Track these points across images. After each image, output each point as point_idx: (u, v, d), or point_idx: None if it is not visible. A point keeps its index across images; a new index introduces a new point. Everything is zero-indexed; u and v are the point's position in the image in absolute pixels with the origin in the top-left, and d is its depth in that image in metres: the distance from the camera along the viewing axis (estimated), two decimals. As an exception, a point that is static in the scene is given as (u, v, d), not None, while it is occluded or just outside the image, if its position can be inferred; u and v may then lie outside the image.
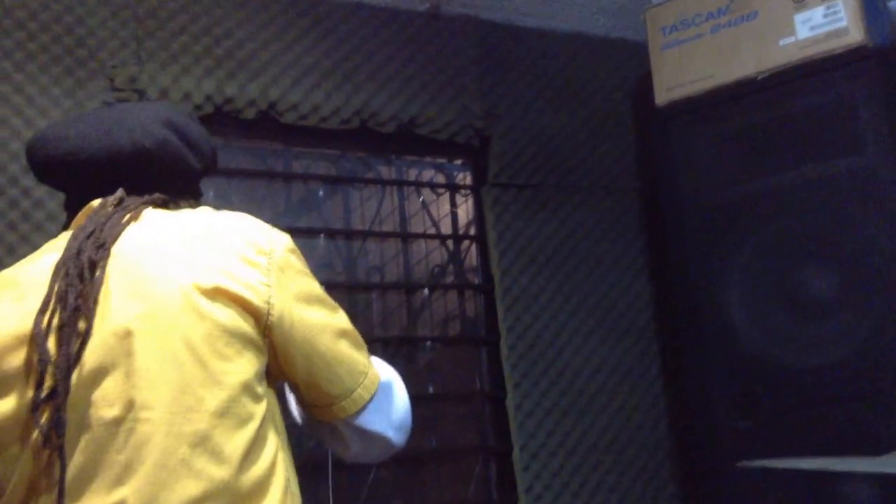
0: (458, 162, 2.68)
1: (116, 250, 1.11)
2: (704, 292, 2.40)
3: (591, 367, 2.58)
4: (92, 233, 1.11)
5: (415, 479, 2.41)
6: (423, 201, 2.64)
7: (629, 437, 2.58)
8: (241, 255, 1.13)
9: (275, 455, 1.12)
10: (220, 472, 1.05)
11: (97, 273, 1.08)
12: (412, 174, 2.64)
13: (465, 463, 2.50)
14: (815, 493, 2.16)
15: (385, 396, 1.28)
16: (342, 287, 2.42)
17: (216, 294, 1.09)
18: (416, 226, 2.61)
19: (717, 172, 2.42)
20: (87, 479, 1.02)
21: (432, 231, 2.62)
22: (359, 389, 1.22)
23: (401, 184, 2.61)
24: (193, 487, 1.03)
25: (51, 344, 1.04)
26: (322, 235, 2.45)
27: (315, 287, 1.23)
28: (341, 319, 1.24)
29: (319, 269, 2.39)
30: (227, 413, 1.07)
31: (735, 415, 2.32)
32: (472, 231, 2.65)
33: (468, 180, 2.69)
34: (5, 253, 1.97)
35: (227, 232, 1.17)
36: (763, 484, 2.24)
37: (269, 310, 1.13)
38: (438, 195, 2.66)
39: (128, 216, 1.15)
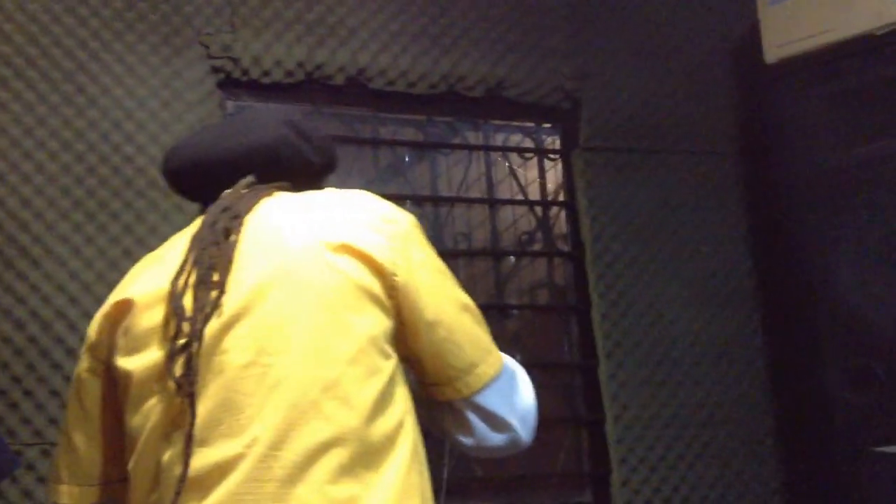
0: (547, 125, 2.79)
1: (250, 219, 1.24)
2: (815, 260, 2.44)
3: (689, 338, 2.67)
4: (227, 207, 1.25)
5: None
6: (511, 166, 2.75)
7: (729, 410, 2.67)
8: (367, 223, 1.23)
9: (403, 415, 1.18)
10: (349, 419, 1.11)
11: (231, 237, 1.20)
12: (499, 139, 2.76)
13: (555, 433, 2.63)
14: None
15: (509, 382, 1.31)
16: (430, 254, 2.56)
17: (343, 249, 1.18)
18: (504, 192, 2.73)
19: (831, 135, 2.44)
20: (217, 421, 1.12)
21: (520, 197, 2.74)
22: (483, 366, 1.26)
23: (488, 149, 2.73)
24: (323, 430, 1.10)
25: (186, 300, 1.17)
26: (408, 202, 2.60)
27: (439, 261, 1.29)
28: (465, 295, 1.30)
29: (407, 235, 2.53)
30: (357, 362, 1.14)
31: (849, 391, 2.35)
32: (562, 197, 2.76)
33: (557, 144, 2.79)
34: (110, 220, 2.17)
35: (354, 203, 1.28)
36: (880, 467, 2.27)
37: (394, 271, 1.20)
38: (526, 160, 2.78)
39: (261, 194, 1.29)
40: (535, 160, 2.79)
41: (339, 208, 1.26)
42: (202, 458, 1.10)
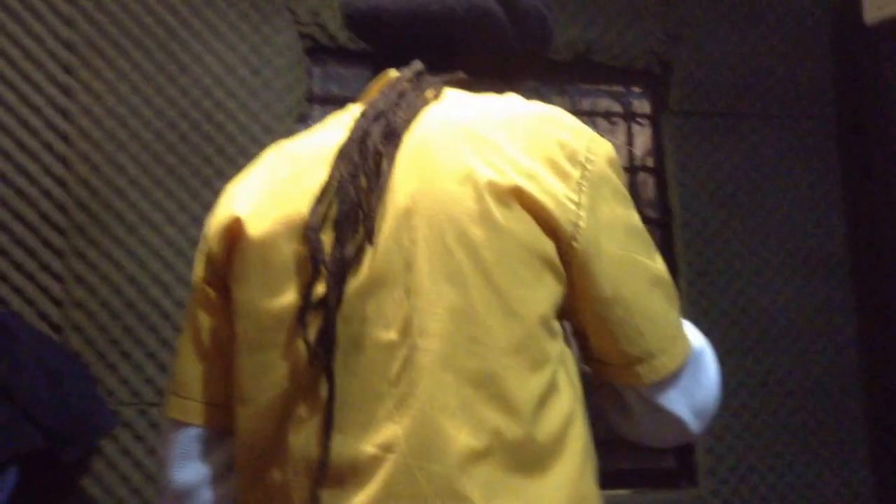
0: (636, 90, 2.70)
1: (407, 139, 0.97)
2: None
3: (779, 306, 2.59)
4: (382, 113, 0.98)
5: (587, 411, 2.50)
6: (598, 131, 2.67)
7: (817, 379, 2.59)
8: (550, 159, 0.94)
9: (571, 408, 0.95)
10: (506, 424, 0.89)
11: (383, 165, 0.95)
12: (586, 104, 2.68)
13: (640, 400, 2.57)
14: None
15: (692, 373, 1.03)
16: (515, 220, 2.51)
17: (514, 197, 0.91)
18: (591, 157, 2.66)
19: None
20: (353, 407, 0.92)
21: (608, 162, 2.66)
22: (663, 357, 0.99)
23: (575, 113, 2.64)
24: (474, 438, 0.88)
25: (326, 240, 0.94)
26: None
27: (633, 216, 1.01)
28: (659, 264, 1.02)
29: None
30: (521, 351, 0.91)
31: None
32: (650, 163, 2.68)
33: (646, 109, 2.70)
34: (202, 187, 2.18)
35: (540, 126, 0.98)
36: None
37: (574, 233, 0.93)
38: (614, 125, 2.69)
39: (424, 97, 1.01)
40: (622, 125, 2.70)
41: (518, 130, 0.96)
42: (339, 448, 0.91)
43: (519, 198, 0.92)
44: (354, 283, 0.92)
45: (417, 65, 1.04)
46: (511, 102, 1.02)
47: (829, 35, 2.72)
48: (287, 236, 0.97)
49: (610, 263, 0.95)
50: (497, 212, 0.91)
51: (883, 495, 2.56)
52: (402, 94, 1.00)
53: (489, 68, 1.10)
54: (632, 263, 0.98)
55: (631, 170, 2.68)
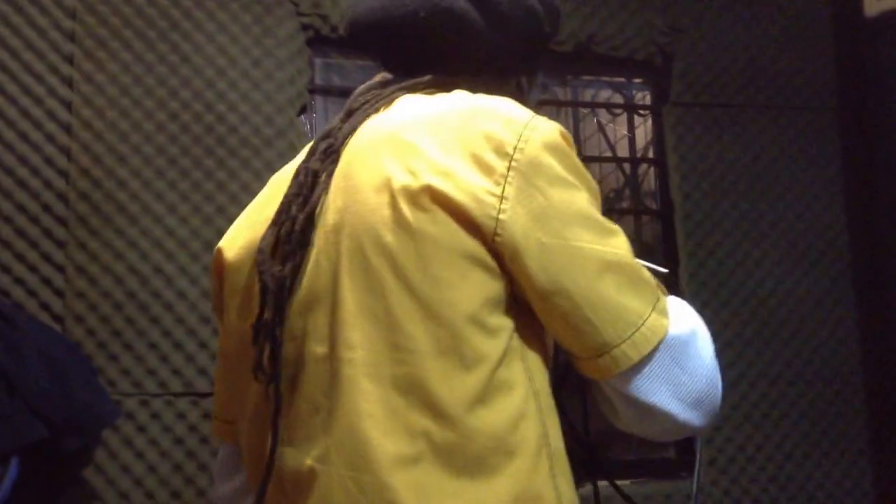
0: (638, 81, 2.69)
1: (344, 152, 0.98)
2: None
3: (778, 297, 2.59)
4: (330, 131, 1.01)
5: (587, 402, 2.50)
6: (599, 122, 2.67)
7: (817, 370, 2.59)
8: (472, 154, 0.92)
9: (523, 405, 0.92)
10: (436, 427, 0.88)
11: (318, 185, 0.97)
12: (587, 95, 2.68)
13: (640, 391, 2.57)
14: None
15: (673, 358, 0.96)
16: (516, 211, 2.51)
17: (428, 198, 0.90)
18: (592, 148, 2.66)
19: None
20: (299, 420, 0.94)
21: (608, 153, 2.66)
22: (622, 346, 0.93)
23: (577, 105, 2.65)
24: (404, 444, 0.88)
25: (272, 263, 0.96)
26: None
27: (577, 199, 0.94)
28: (611, 248, 0.95)
29: (494, 192, 2.49)
30: (447, 353, 0.89)
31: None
32: (651, 154, 2.67)
33: (647, 100, 2.70)
34: (204, 178, 2.18)
35: (469, 120, 0.95)
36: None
37: (495, 227, 0.90)
38: (615, 116, 2.69)
39: (379, 104, 1.02)
40: (623, 116, 2.70)
41: (443, 128, 0.94)
42: (289, 461, 0.95)
43: (434, 198, 0.90)
44: (296, 302, 0.95)
45: (380, 76, 1.07)
46: (451, 99, 1.00)
47: (830, 26, 2.71)
48: (249, 260, 1.02)
49: (543, 254, 0.91)
50: (411, 216, 0.90)
51: (882, 486, 2.56)
52: (351, 110, 1.03)
53: (471, 68, 1.07)
54: (571, 252, 0.92)
55: (633, 161, 2.67)
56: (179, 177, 2.18)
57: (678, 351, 0.97)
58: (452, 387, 0.89)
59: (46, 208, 2.09)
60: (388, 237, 0.91)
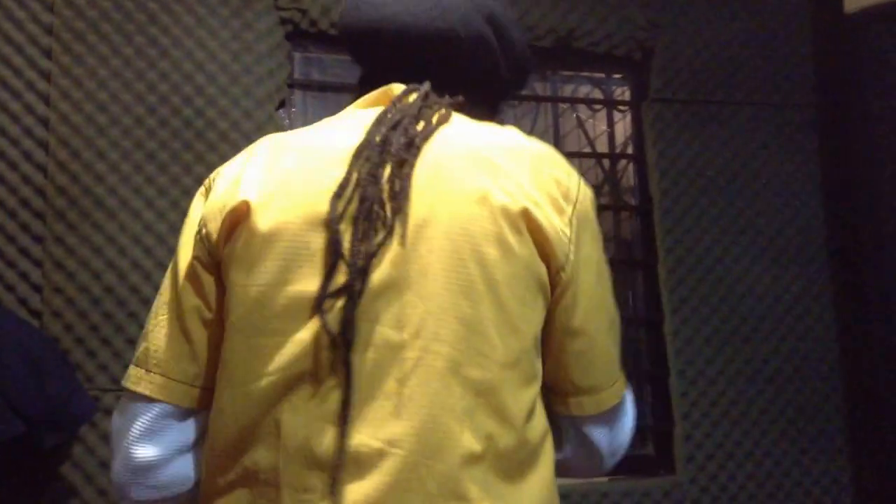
0: (617, 76, 2.70)
1: (426, 149, 1.01)
2: (892, 216, 2.34)
3: (757, 293, 2.60)
4: (399, 123, 1.02)
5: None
6: (579, 118, 2.68)
7: (796, 366, 2.60)
8: (548, 193, 1.02)
9: (546, 420, 1.04)
10: (500, 432, 0.95)
11: (405, 170, 0.98)
12: (567, 90, 2.68)
13: (620, 387, 2.58)
14: None
15: (622, 411, 1.15)
16: (496, 207, 2.51)
17: (523, 222, 0.98)
18: (572, 144, 2.66)
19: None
20: (358, 401, 0.94)
21: (588, 149, 2.66)
22: (608, 391, 1.09)
23: (556, 100, 2.65)
24: (473, 443, 0.94)
25: (345, 235, 0.96)
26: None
27: (604, 259, 1.10)
28: (615, 307, 1.11)
29: (474, 188, 2.49)
30: (517, 366, 0.97)
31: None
32: (630, 150, 2.67)
33: (627, 96, 2.70)
34: (182, 172, 2.17)
35: (540, 160, 1.05)
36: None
37: (564, 263, 1.00)
38: (595, 112, 2.70)
39: (437, 116, 1.05)
40: (603, 112, 2.70)
41: (523, 162, 1.02)
42: (348, 438, 0.93)
43: (527, 223, 0.98)
44: (373, 280, 0.95)
45: (426, 86, 1.09)
46: (513, 135, 1.07)
47: (810, 23, 2.72)
48: (302, 228, 0.97)
49: (585, 295, 1.03)
50: (510, 235, 0.97)
51: (861, 483, 2.58)
52: (415, 110, 1.04)
53: (481, 94, 1.15)
54: (600, 301, 1.07)
55: (612, 157, 2.68)
56: (158, 171, 2.17)
57: (625, 405, 1.16)
58: (517, 398, 0.98)
59: (24, 203, 2.08)
60: (487, 248, 0.97)
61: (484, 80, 1.15)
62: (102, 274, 2.10)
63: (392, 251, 0.95)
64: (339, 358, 0.93)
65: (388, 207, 0.96)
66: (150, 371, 1.05)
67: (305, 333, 0.95)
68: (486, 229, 0.97)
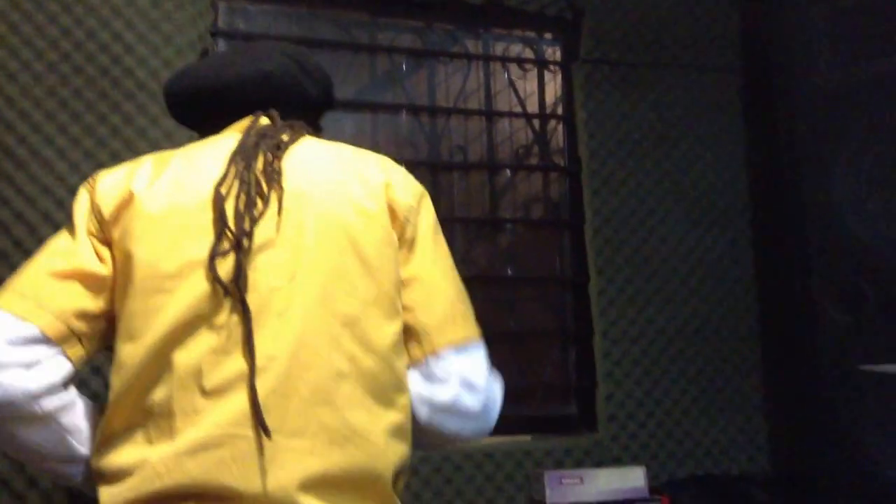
0: (548, 36, 2.67)
1: (293, 150, 1.28)
2: (812, 179, 2.38)
3: (679, 254, 2.62)
4: (265, 134, 1.27)
5: (490, 358, 2.50)
6: (510, 77, 2.64)
7: (715, 327, 2.64)
8: (397, 176, 1.32)
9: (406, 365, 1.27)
10: (363, 356, 1.18)
11: (276, 160, 1.24)
12: (499, 49, 2.64)
13: (543, 346, 2.60)
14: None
15: (480, 358, 1.33)
16: (425, 166, 2.48)
17: (380, 192, 1.27)
18: (502, 103, 2.63)
19: (834, 52, 2.36)
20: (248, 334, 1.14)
21: (518, 109, 2.64)
22: (455, 328, 1.29)
23: (487, 58, 2.62)
24: (341, 363, 1.16)
25: (229, 210, 1.18)
26: (405, 111, 2.49)
27: (440, 233, 1.36)
28: (454, 270, 1.35)
29: (403, 146, 2.45)
30: (377, 303, 1.21)
31: (838, 310, 2.32)
32: (560, 110, 2.66)
33: (557, 56, 2.67)
34: (97, 122, 2.08)
35: (384, 161, 1.35)
36: (864, 385, 2.25)
37: (410, 220, 1.29)
38: (526, 71, 2.67)
39: (297, 130, 1.33)
40: (534, 72, 2.68)
41: (370, 160, 1.32)
42: (230, 367, 1.12)
43: (386, 190, 1.27)
44: (256, 239, 1.17)
45: (274, 112, 1.34)
46: (354, 147, 1.36)
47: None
48: (191, 210, 1.18)
49: (425, 248, 1.30)
50: (368, 204, 1.25)
51: (776, 441, 2.64)
52: (277, 128, 1.30)
53: (301, 115, 1.39)
54: (439, 256, 1.32)
55: (542, 117, 2.66)
56: (71, 120, 2.08)
57: (481, 358, 1.33)
58: (378, 329, 1.20)
59: (-74, 150, 1.98)
60: (351, 215, 1.23)
61: (300, 100, 1.39)
62: (11, 227, 2.01)
63: (270, 217, 1.19)
64: (235, 302, 1.13)
65: (264, 185, 1.20)
66: (26, 295, 1.18)
67: (197, 288, 1.14)
68: (348, 201, 1.23)
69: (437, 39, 2.58)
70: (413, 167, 2.52)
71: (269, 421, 1.09)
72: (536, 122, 2.66)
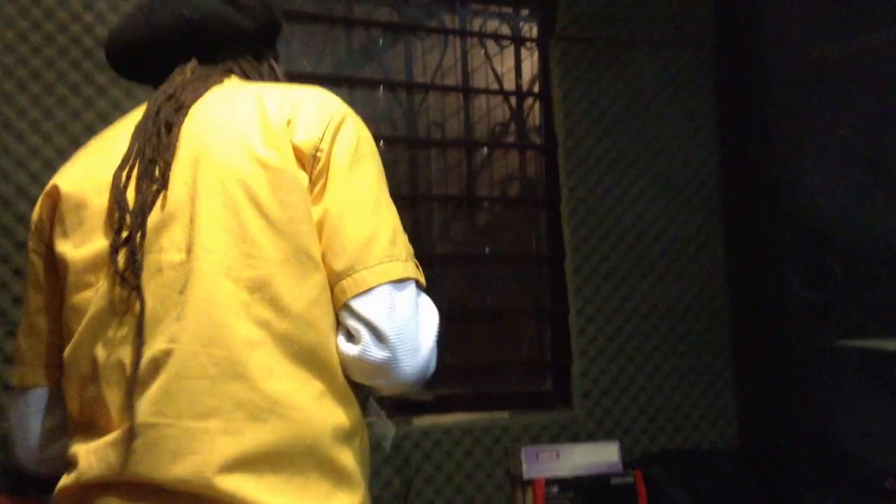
0: (525, 12, 2.65)
1: (195, 110, 1.18)
2: (782, 158, 2.41)
3: (653, 233, 2.64)
4: (171, 95, 1.20)
5: (468, 336, 2.52)
6: (487, 54, 2.63)
7: (687, 304, 2.67)
8: (306, 109, 1.17)
9: (334, 319, 1.14)
10: (279, 322, 1.08)
11: (173, 131, 1.16)
12: (476, 24, 2.63)
13: (520, 324, 2.61)
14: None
15: (404, 299, 1.14)
16: (402, 142, 2.46)
17: (280, 136, 1.14)
18: (479, 80, 2.62)
19: (804, 32, 2.37)
20: (153, 320, 1.08)
21: (495, 86, 2.62)
22: (368, 270, 1.12)
23: (464, 34, 2.59)
24: (252, 331, 1.07)
25: (129, 193, 1.13)
26: (382, 87, 2.47)
27: (370, 150, 1.21)
28: (381, 193, 1.19)
29: (380, 122, 2.43)
30: (289, 263, 1.10)
31: (806, 289, 2.35)
32: (536, 88, 2.65)
33: (534, 32, 2.66)
34: (70, 93, 2.02)
35: (301, 92, 1.21)
36: (832, 361, 2.29)
37: (318, 153, 1.15)
38: (503, 48, 2.65)
39: (212, 79, 1.23)
40: (511, 49, 2.66)
41: (286, 97, 1.19)
42: (145, 355, 1.07)
43: (281, 139, 1.13)
44: (153, 221, 1.11)
45: (193, 61, 1.26)
46: (280, 84, 1.27)
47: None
48: (96, 194, 1.16)
49: (338, 176, 1.15)
50: (266, 152, 1.13)
51: (744, 417, 2.68)
52: (188, 82, 1.23)
53: (239, 50, 1.31)
54: (356, 191, 1.16)
55: (519, 95, 2.65)
56: (43, 91, 2.02)
57: (412, 297, 1.16)
58: (292, 289, 1.09)
59: None
60: (247, 169, 1.12)
61: (235, 38, 1.29)
62: (-17, 200, 1.95)
63: (169, 192, 1.12)
64: (132, 290, 1.09)
65: (160, 163, 1.13)
66: (21, 364, 1.27)
67: (105, 280, 1.11)
68: (246, 154, 1.12)
69: (414, 13, 2.55)
70: (390, 143, 2.52)
71: (179, 405, 1.04)
72: (513, 100, 2.65)
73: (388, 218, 1.18)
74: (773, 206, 2.44)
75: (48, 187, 1.21)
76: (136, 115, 1.23)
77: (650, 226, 2.65)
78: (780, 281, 2.42)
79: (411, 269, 1.16)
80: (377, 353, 1.10)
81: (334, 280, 1.12)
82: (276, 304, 1.08)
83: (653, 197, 2.66)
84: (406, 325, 1.12)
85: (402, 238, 1.18)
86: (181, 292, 1.08)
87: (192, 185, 1.12)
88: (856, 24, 2.30)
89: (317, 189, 1.14)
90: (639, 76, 2.66)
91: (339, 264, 1.12)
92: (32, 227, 1.24)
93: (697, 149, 2.72)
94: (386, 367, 1.11)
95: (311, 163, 1.14)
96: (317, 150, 1.14)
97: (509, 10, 2.65)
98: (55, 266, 1.19)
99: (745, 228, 2.69)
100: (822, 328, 2.30)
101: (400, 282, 1.14)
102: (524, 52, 2.67)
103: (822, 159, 2.34)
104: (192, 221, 1.10)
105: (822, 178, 2.34)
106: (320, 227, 1.14)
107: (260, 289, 1.08)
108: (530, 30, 2.68)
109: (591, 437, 2.51)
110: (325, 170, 1.14)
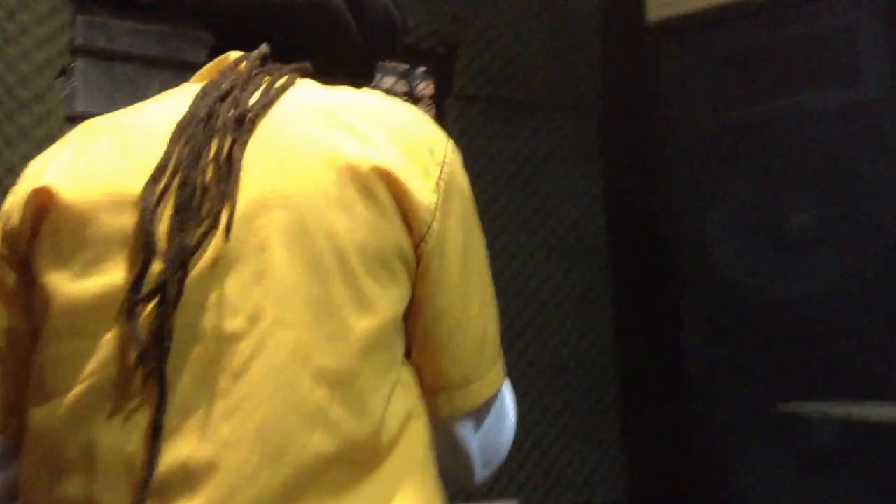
0: (421, 70, 2.64)
1: (262, 125, 0.87)
2: (686, 220, 2.42)
3: (547, 291, 2.66)
4: (229, 93, 0.88)
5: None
6: (383, 110, 2.59)
7: (578, 362, 2.68)
8: (412, 151, 0.88)
9: (412, 404, 0.89)
10: (360, 427, 0.81)
11: (235, 152, 0.83)
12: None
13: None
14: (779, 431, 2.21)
15: (498, 408, 1.00)
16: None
17: (377, 182, 0.84)
18: (374, 136, 2.57)
19: (707, 98, 2.41)
20: (186, 406, 0.79)
21: (390, 142, 2.59)
22: (480, 382, 0.94)
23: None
24: (327, 442, 0.79)
25: (161, 224, 0.81)
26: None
27: (477, 228, 0.99)
28: (490, 282, 0.98)
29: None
30: (376, 350, 0.83)
31: (705, 348, 2.36)
32: (432, 145, 2.62)
33: (430, 90, 2.65)
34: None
35: (402, 118, 0.91)
36: (725, 418, 2.31)
37: (426, 234, 0.86)
38: (398, 105, 2.62)
39: (281, 81, 0.91)
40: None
41: (380, 120, 0.88)
42: (170, 454, 0.78)
43: (384, 184, 0.84)
44: (199, 266, 0.80)
45: (263, 47, 0.96)
46: (370, 94, 0.95)
47: (600, 27, 2.78)
48: (111, 209, 0.83)
49: (452, 272, 0.90)
50: (361, 200, 0.83)
51: (631, 473, 2.69)
52: (251, 76, 0.91)
53: (336, 65, 1.02)
54: (471, 276, 0.93)
55: (413, 151, 2.62)
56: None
57: (503, 399, 1.01)
58: (376, 386, 0.83)
59: None
60: (333, 215, 0.82)
61: (336, 47, 1.02)
62: None
63: (217, 242, 0.81)
64: (151, 368, 0.78)
65: (213, 192, 0.81)
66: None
67: (115, 332, 0.80)
68: (333, 194, 0.82)
69: (309, 68, 2.48)
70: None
71: None
72: (408, 156, 2.61)
73: (494, 308, 0.98)
74: (661, 268, 2.47)
75: (34, 185, 0.87)
76: (168, 102, 0.92)
77: (544, 284, 2.65)
78: (665, 341, 2.44)
79: (503, 365, 1.00)
80: (480, 474, 1.00)
81: (439, 387, 0.92)
82: (360, 405, 0.81)
83: (546, 256, 2.67)
84: (508, 439, 1.03)
85: (497, 315, 0.99)
86: (238, 376, 0.78)
87: (263, 225, 0.81)
88: (762, 90, 2.35)
89: (421, 268, 0.87)
90: (533, 135, 2.68)
91: (454, 372, 0.91)
92: (3, 228, 0.89)
93: (585, 209, 2.75)
94: (469, 482, 1.01)
95: (420, 233, 0.86)
96: (428, 226, 0.86)
97: (406, 67, 2.63)
98: (27, 292, 0.87)
99: (632, 289, 2.72)
100: (719, 387, 2.32)
101: (501, 386, 0.99)
102: (421, 109, 2.65)
103: (725, 222, 2.37)
104: (258, 277, 0.80)
105: (725, 239, 2.37)
106: (417, 316, 0.89)
107: (343, 385, 0.80)
108: (426, 87, 2.67)
109: (486, 496, 2.46)
110: (439, 251, 0.88)
